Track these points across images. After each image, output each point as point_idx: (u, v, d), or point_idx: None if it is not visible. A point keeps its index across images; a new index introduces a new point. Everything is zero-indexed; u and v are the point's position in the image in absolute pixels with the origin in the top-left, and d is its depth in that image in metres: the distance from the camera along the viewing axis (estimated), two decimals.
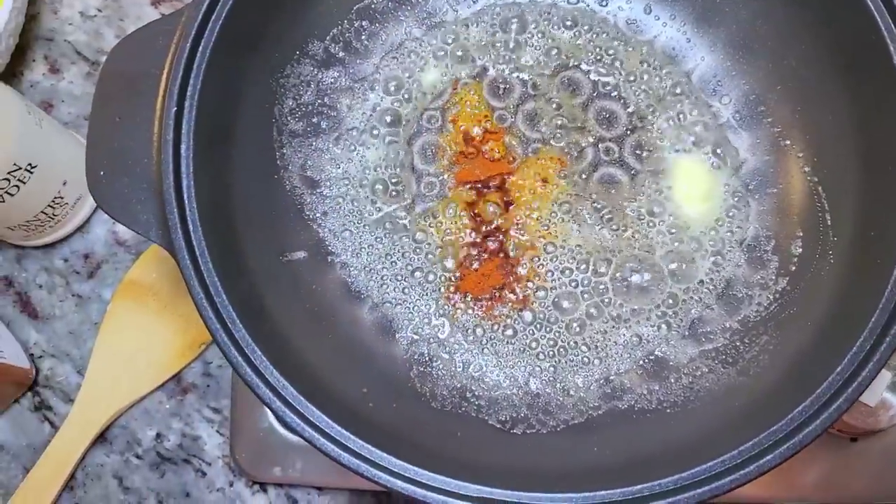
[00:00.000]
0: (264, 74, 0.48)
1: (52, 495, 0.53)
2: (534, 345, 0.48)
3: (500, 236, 0.49)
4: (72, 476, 0.54)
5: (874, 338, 0.37)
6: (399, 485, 0.36)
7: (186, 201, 0.40)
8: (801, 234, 0.47)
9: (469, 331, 0.48)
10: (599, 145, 0.51)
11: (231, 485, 0.55)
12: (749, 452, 0.36)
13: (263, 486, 0.55)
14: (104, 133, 0.42)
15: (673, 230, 0.49)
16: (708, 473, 0.36)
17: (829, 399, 0.37)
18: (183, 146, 0.41)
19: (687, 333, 0.47)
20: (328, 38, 0.51)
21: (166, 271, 0.57)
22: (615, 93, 0.51)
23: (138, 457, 0.55)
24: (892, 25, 0.42)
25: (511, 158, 0.51)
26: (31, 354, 0.57)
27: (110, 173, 0.41)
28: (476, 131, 0.51)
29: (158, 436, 0.55)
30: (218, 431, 0.55)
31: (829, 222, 0.45)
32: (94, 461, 0.55)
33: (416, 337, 0.48)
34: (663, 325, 0.48)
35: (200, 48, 0.42)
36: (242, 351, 0.39)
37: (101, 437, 0.56)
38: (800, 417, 0.37)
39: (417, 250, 0.49)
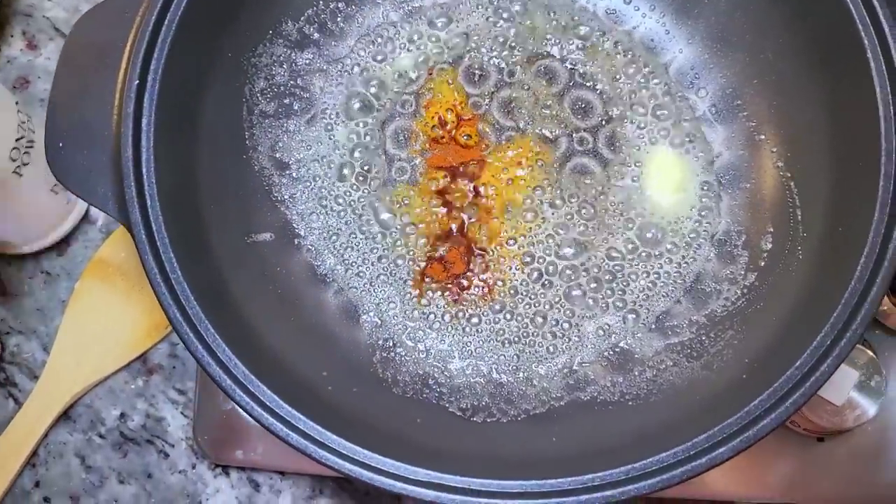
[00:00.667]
0: (235, 53, 0.47)
1: (12, 472, 0.53)
2: (498, 334, 0.47)
3: (469, 224, 0.49)
4: (34, 453, 0.54)
5: (834, 333, 0.37)
6: (346, 467, 0.36)
7: (145, 176, 0.40)
8: (772, 229, 0.46)
9: (434, 318, 0.48)
10: (574, 135, 0.50)
11: (193, 467, 0.54)
12: (702, 445, 0.36)
13: (226, 469, 0.54)
14: (66, 103, 0.42)
15: (644, 222, 0.48)
16: (659, 465, 0.36)
17: (785, 394, 0.36)
18: (144, 121, 0.40)
19: (654, 326, 0.47)
20: (303, 18, 0.50)
21: (136, 251, 0.57)
22: (591, 83, 0.51)
23: (101, 436, 0.55)
24: (868, 20, 0.41)
25: (484, 145, 0.50)
26: None
27: (70, 145, 0.41)
28: (450, 117, 0.51)
29: (122, 416, 0.55)
30: (182, 413, 0.55)
31: (799, 218, 0.45)
32: (56, 439, 0.55)
33: (380, 322, 0.47)
34: (630, 317, 0.47)
35: (166, 22, 0.41)
36: (195, 328, 0.38)
37: (65, 416, 0.55)
38: (755, 411, 0.36)
39: (385, 236, 0.49)
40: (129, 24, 0.42)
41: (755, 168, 0.48)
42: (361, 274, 0.48)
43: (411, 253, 0.49)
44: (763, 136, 0.48)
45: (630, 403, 0.44)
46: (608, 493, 0.35)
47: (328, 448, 0.37)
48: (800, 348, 0.37)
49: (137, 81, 0.40)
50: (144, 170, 0.40)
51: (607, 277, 0.48)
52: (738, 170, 0.49)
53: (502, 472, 0.37)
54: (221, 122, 0.47)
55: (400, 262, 0.48)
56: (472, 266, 0.48)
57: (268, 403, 0.37)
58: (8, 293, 0.57)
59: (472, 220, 0.49)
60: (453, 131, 0.50)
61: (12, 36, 0.62)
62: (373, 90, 0.51)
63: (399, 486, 0.36)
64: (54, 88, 0.42)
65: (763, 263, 0.46)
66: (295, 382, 0.41)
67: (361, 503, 0.54)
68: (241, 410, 0.53)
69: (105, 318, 0.56)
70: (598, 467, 0.36)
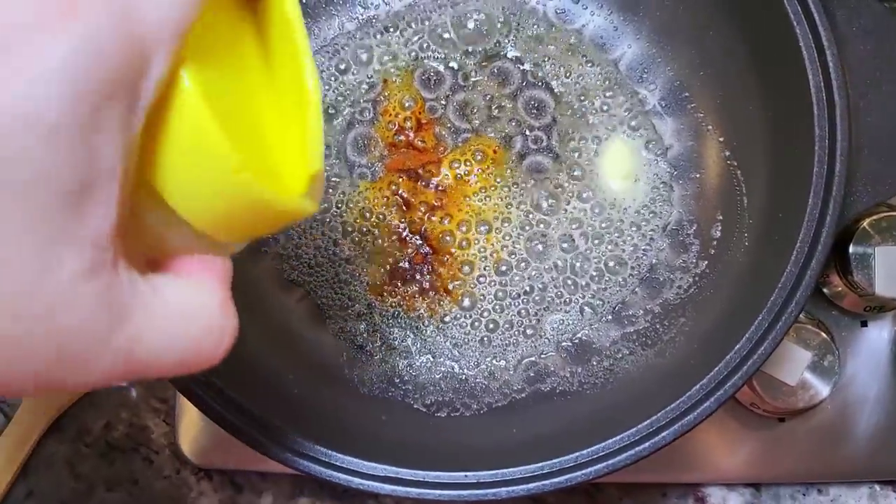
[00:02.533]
0: None
1: (5, 483, 0.55)
2: (461, 330, 0.49)
3: (427, 225, 0.50)
4: (24, 465, 0.56)
5: (770, 318, 0.38)
6: (302, 464, 0.38)
7: None
8: (721, 217, 0.48)
9: (398, 317, 0.49)
10: (528, 133, 0.51)
11: (178, 472, 0.56)
12: (645, 430, 0.37)
13: (208, 473, 0.56)
14: None
15: (600, 217, 0.50)
16: (606, 451, 0.37)
17: (724, 378, 0.38)
18: None
19: (610, 317, 0.48)
20: None
21: None
22: (544, 82, 0.52)
23: (87, 445, 0.57)
24: (800, 10, 0.42)
25: (442, 148, 0.52)
26: None
27: None
28: (407, 123, 0.52)
29: (107, 425, 0.57)
30: (164, 421, 0.57)
31: (745, 205, 0.46)
32: (47, 449, 0.57)
33: (345, 324, 0.49)
34: (588, 309, 0.49)
35: None
36: None
37: (54, 427, 0.57)
38: (696, 395, 0.38)
39: (349, 240, 0.50)
40: None
41: (704, 158, 0.49)
42: (327, 278, 0.50)
43: (374, 256, 0.50)
44: (710, 127, 0.49)
45: (588, 393, 0.46)
46: (557, 479, 0.37)
47: (289, 448, 0.38)
48: (740, 333, 0.39)
49: None
50: None
51: (564, 271, 0.49)
52: (689, 160, 0.50)
53: (460, 463, 0.39)
54: None
55: (363, 264, 0.50)
56: (433, 265, 0.50)
57: (235, 411, 0.39)
58: None
59: (431, 221, 0.50)
60: (411, 136, 0.52)
61: None
62: (332, 99, 0.52)
63: (356, 482, 0.38)
64: None
65: (713, 251, 0.47)
66: (262, 384, 0.43)
67: (341, 501, 0.56)
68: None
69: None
70: (548, 455, 0.38)
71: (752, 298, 0.41)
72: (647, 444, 0.37)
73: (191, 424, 0.55)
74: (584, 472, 0.37)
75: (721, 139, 0.49)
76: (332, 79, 0.53)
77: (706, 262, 0.47)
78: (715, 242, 0.47)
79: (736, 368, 0.38)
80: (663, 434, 0.37)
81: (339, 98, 0.52)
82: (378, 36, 0.53)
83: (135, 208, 0.20)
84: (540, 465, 0.37)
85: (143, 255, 0.22)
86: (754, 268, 0.43)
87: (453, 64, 0.53)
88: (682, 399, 0.38)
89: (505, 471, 0.37)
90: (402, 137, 0.52)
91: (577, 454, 0.38)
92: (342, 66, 0.53)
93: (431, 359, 0.48)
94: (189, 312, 0.22)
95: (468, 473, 0.37)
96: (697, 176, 0.49)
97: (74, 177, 0.17)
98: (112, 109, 0.17)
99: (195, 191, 0.21)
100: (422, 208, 0.51)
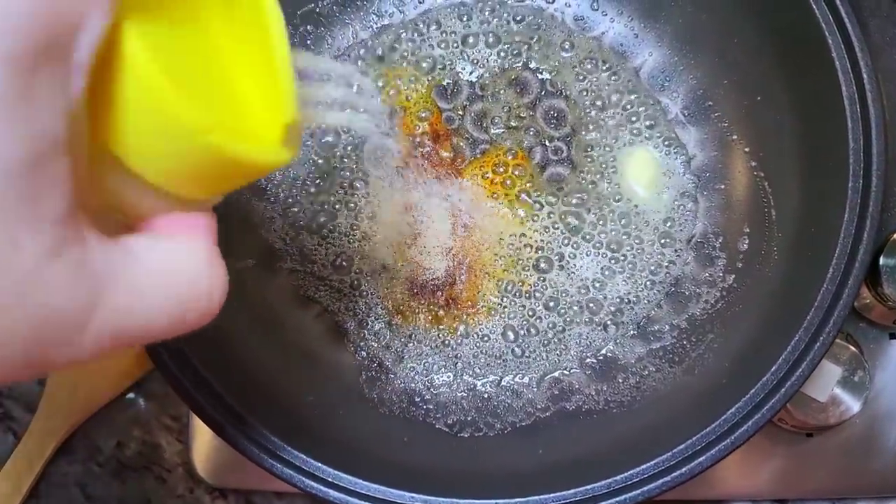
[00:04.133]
0: None
1: None
2: (483, 347, 0.48)
3: (450, 238, 0.49)
4: (35, 487, 0.55)
5: (808, 338, 0.37)
6: (333, 495, 0.36)
7: None
8: (748, 230, 0.46)
9: (419, 334, 0.48)
10: (548, 144, 0.50)
11: (191, 491, 0.55)
12: (682, 454, 0.36)
13: (223, 492, 0.55)
14: None
15: (622, 228, 0.49)
16: (641, 476, 0.36)
17: (761, 400, 0.37)
18: None
19: (636, 332, 0.47)
20: None
21: None
22: (563, 91, 0.51)
23: (100, 465, 0.55)
24: (830, 17, 0.41)
25: (460, 160, 0.50)
26: None
27: None
28: (424, 133, 0.51)
29: (119, 444, 0.56)
30: (177, 439, 0.56)
31: (774, 218, 0.45)
32: (57, 470, 0.56)
33: (365, 342, 0.48)
34: (612, 324, 0.47)
35: None
36: (180, 365, 0.39)
37: (64, 446, 0.56)
38: (733, 418, 0.37)
39: (368, 255, 0.49)
40: None
41: (729, 169, 0.48)
42: (343, 295, 0.49)
43: (394, 271, 0.49)
44: (735, 137, 0.48)
45: (614, 411, 0.45)
46: None
47: (313, 476, 0.37)
48: (775, 353, 0.38)
49: None
50: None
51: (588, 285, 0.48)
52: (713, 171, 0.49)
53: (489, 489, 0.38)
54: None
55: (383, 280, 0.49)
56: (454, 280, 0.49)
57: (255, 437, 0.38)
58: None
59: (452, 234, 0.49)
60: (428, 147, 0.51)
61: None
62: (346, 110, 0.51)
63: None
64: None
65: (740, 265, 0.46)
66: (282, 410, 0.42)
67: None
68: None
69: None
70: (581, 480, 0.37)
71: (785, 316, 0.40)
72: (683, 470, 0.36)
73: (204, 442, 0.54)
74: (618, 499, 0.36)
75: (747, 149, 0.48)
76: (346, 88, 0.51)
77: (733, 276, 0.46)
78: (742, 256, 0.46)
79: (774, 390, 0.36)
80: (700, 459, 0.36)
81: (354, 109, 0.51)
82: (394, 45, 0.52)
83: (98, 175, 0.19)
84: (572, 491, 0.36)
85: (117, 221, 0.21)
86: (786, 283, 0.42)
87: (470, 73, 0.52)
88: (717, 422, 0.37)
89: (536, 498, 0.36)
90: (419, 148, 0.51)
91: (609, 480, 0.37)
92: (356, 76, 0.51)
93: (453, 376, 0.47)
94: (173, 271, 0.21)
95: (498, 502, 0.36)
96: (723, 187, 0.48)
97: (16, 154, 0.16)
98: (46, 74, 0.16)
99: (158, 154, 0.20)
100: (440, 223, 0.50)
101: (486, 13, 0.52)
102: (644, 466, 0.36)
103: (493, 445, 0.44)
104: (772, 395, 0.36)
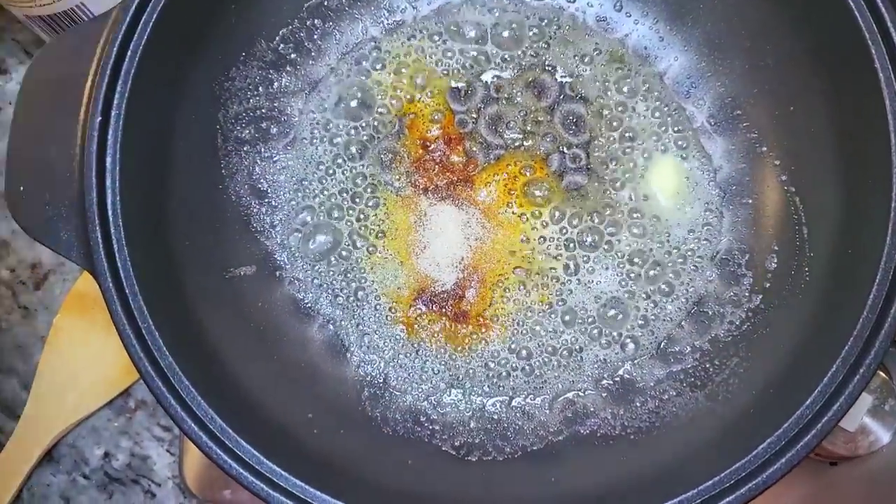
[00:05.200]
0: (206, 78, 0.45)
1: None
2: (492, 365, 0.45)
3: (460, 249, 0.47)
4: (17, 497, 0.52)
5: (846, 369, 0.35)
6: None
7: (111, 220, 0.37)
8: (777, 247, 0.44)
9: (426, 349, 0.45)
10: (566, 151, 0.48)
11: None
12: (707, 493, 0.34)
13: None
14: (25, 144, 0.39)
15: (642, 242, 0.46)
16: None
17: (795, 436, 0.34)
18: (108, 159, 0.38)
19: (655, 353, 0.45)
20: (277, 38, 0.48)
21: None
22: (583, 95, 0.48)
23: (86, 476, 0.53)
24: (874, 26, 0.39)
25: (472, 165, 0.48)
26: None
27: (31, 189, 0.38)
28: (436, 137, 0.48)
29: (106, 455, 0.53)
30: (168, 451, 0.53)
31: (805, 236, 0.42)
32: (40, 480, 0.53)
33: (368, 357, 0.45)
34: (630, 343, 0.45)
35: (129, 52, 0.39)
36: (168, 381, 0.36)
37: (48, 456, 0.53)
38: (764, 454, 0.34)
39: (374, 264, 0.47)
40: (90, 56, 0.39)
41: (757, 182, 0.46)
42: (347, 306, 0.46)
43: (399, 282, 0.46)
44: (765, 148, 0.46)
45: (632, 437, 0.42)
46: None
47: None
48: (810, 383, 0.35)
49: (100, 118, 0.38)
50: (110, 213, 0.37)
51: (605, 301, 0.45)
52: (740, 184, 0.46)
53: None
54: (194, 152, 0.44)
55: (388, 292, 0.46)
56: (463, 294, 0.46)
57: (247, 460, 0.35)
58: None
59: (462, 245, 0.47)
60: (439, 151, 0.48)
61: None
62: (354, 111, 0.49)
63: None
64: (13, 129, 0.40)
65: (768, 284, 0.43)
66: (278, 429, 0.39)
67: None
68: None
69: (86, 354, 0.54)
70: None
71: (820, 343, 0.37)
72: None
73: (196, 455, 0.52)
74: None
75: (777, 162, 0.45)
76: (355, 88, 0.49)
77: (760, 297, 0.43)
78: (770, 275, 0.44)
79: (809, 425, 0.34)
80: (727, 499, 0.33)
81: (362, 109, 0.48)
82: (405, 43, 0.49)
83: None
84: None
85: None
86: (819, 307, 0.39)
87: (485, 74, 0.49)
88: (748, 458, 0.34)
89: None
90: (431, 154, 0.48)
91: None
92: (365, 75, 0.49)
93: (461, 395, 0.45)
94: None
95: None
96: (750, 201, 0.46)
97: None
98: None
99: None
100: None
101: (504, 11, 0.50)
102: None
103: (501, 471, 0.42)
104: (807, 431, 0.34)
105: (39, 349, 0.55)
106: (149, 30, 0.39)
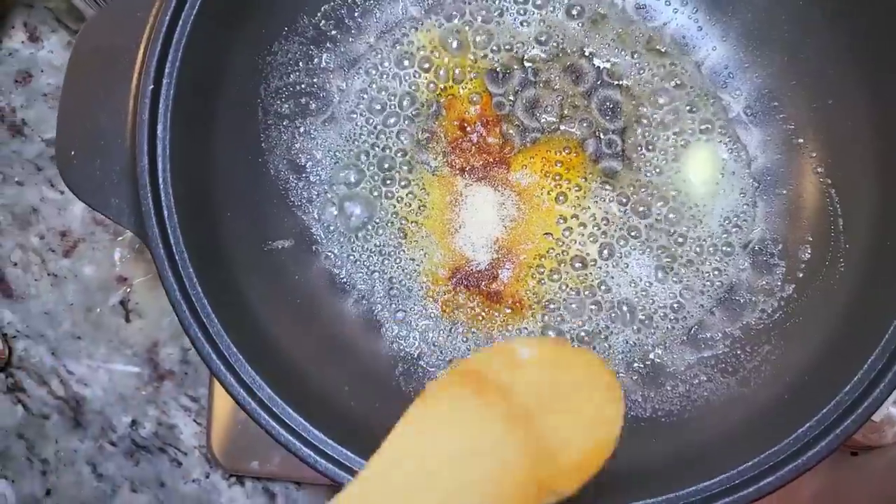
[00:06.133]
0: (250, 51, 0.45)
1: None
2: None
3: (496, 229, 0.47)
4: (44, 460, 0.53)
5: (886, 357, 0.35)
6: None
7: (161, 186, 0.38)
8: (811, 238, 0.44)
9: (458, 327, 0.46)
10: (601, 137, 0.48)
11: (207, 476, 0.53)
12: (748, 473, 0.34)
13: (240, 479, 0.53)
14: (77, 111, 0.40)
15: (675, 229, 0.47)
16: (703, 494, 0.34)
17: (835, 420, 0.35)
18: (160, 127, 0.38)
19: (686, 338, 0.45)
20: (319, 14, 0.48)
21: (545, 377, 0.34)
22: (620, 82, 0.49)
23: (112, 443, 0.53)
24: None
25: (508, 148, 0.48)
26: (5, 334, 0.55)
27: (82, 154, 0.39)
28: (473, 118, 0.49)
29: (134, 423, 0.54)
30: (195, 420, 0.53)
31: (841, 228, 0.43)
32: (68, 446, 0.54)
33: (402, 332, 0.46)
34: (661, 328, 0.46)
35: (180, 22, 0.39)
36: (217, 347, 0.36)
37: (76, 422, 0.54)
38: (804, 437, 0.35)
39: (409, 242, 0.47)
40: (141, 25, 0.39)
41: (793, 173, 0.46)
42: (383, 282, 0.47)
43: (435, 260, 0.47)
44: (801, 140, 0.46)
45: (663, 420, 0.43)
46: None
47: (344, 467, 0.35)
48: (847, 371, 0.36)
49: (152, 86, 0.38)
50: (161, 180, 0.38)
51: (638, 285, 0.46)
52: (775, 175, 0.47)
53: None
54: (236, 125, 0.45)
55: (423, 268, 0.47)
56: (496, 274, 0.47)
57: (294, 427, 0.36)
58: (14, 296, 0.55)
59: (498, 226, 0.47)
60: (476, 133, 0.48)
61: (13, 27, 0.59)
62: (393, 89, 0.49)
63: None
64: (64, 95, 0.40)
65: (801, 275, 0.44)
66: (318, 400, 0.40)
67: None
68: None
69: (462, 445, 0.31)
70: (633, 495, 0.35)
71: (857, 333, 0.38)
72: (750, 490, 0.34)
73: (223, 426, 0.52)
74: None
75: (813, 154, 0.46)
76: (396, 67, 0.49)
77: (793, 287, 0.44)
78: (804, 265, 0.44)
79: (849, 410, 0.35)
80: (768, 479, 0.34)
81: (401, 88, 0.49)
82: (444, 23, 0.50)
83: None
84: None
85: None
86: (854, 298, 0.40)
87: (524, 58, 0.49)
88: (787, 441, 0.35)
89: None
90: (468, 134, 0.48)
91: (665, 497, 0.35)
92: (405, 54, 0.49)
93: None
94: None
95: None
96: (784, 192, 0.46)
97: None
98: None
99: None
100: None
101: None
102: (704, 485, 0.35)
103: None
104: (846, 416, 0.35)
105: (67, 317, 0.55)
106: (198, 2, 0.39)
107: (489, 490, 0.29)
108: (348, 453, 0.35)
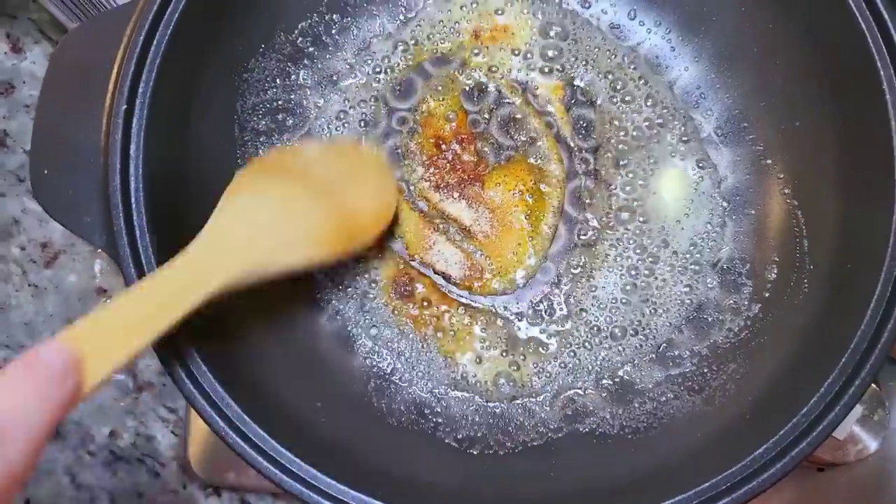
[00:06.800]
0: (226, 69, 0.45)
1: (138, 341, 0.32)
2: (498, 360, 0.46)
3: (468, 247, 0.48)
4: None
5: (842, 380, 0.36)
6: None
7: (134, 205, 0.38)
8: (777, 258, 0.45)
9: (430, 344, 0.46)
10: (574, 155, 0.49)
11: (185, 487, 0.53)
12: (705, 494, 0.35)
13: (217, 490, 0.53)
14: (51, 127, 0.40)
15: (645, 247, 0.47)
16: None
17: (791, 442, 0.35)
18: (132, 147, 0.39)
19: (654, 356, 0.46)
20: (296, 31, 0.48)
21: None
22: (593, 100, 0.49)
23: (91, 454, 0.54)
24: (882, 42, 0.40)
25: (482, 166, 0.49)
26: None
27: (54, 171, 0.39)
28: (448, 136, 0.49)
29: (112, 433, 0.54)
30: (173, 432, 0.54)
31: (806, 249, 0.44)
32: (46, 456, 0.54)
33: (375, 348, 0.46)
34: (631, 346, 0.46)
35: (155, 41, 0.40)
36: (187, 367, 0.37)
37: (55, 432, 0.54)
38: (760, 459, 0.35)
39: (383, 258, 0.48)
40: (116, 43, 0.40)
41: (761, 194, 0.47)
42: (357, 297, 0.47)
43: (409, 275, 0.47)
44: (770, 161, 0.47)
45: (630, 437, 0.43)
46: None
47: (322, 492, 0.36)
48: (806, 393, 0.37)
49: (125, 107, 0.39)
50: (133, 199, 0.38)
51: (607, 303, 0.47)
52: (744, 195, 0.47)
53: None
54: (212, 142, 0.45)
55: (396, 284, 0.47)
56: (470, 288, 0.47)
57: (262, 446, 0.36)
58: None
59: (470, 241, 0.48)
60: (451, 150, 0.49)
61: None
62: (369, 105, 0.49)
63: None
64: (38, 112, 0.40)
65: (767, 294, 0.45)
66: (289, 416, 0.40)
67: None
68: None
69: (283, 205, 0.40)
70: None
71: (817, 354, 0.39)
72: None
73: (201, 437, 0.53)
74: None
75: (781, 175, 0.46)
76: (370, 83, 0.50)
77: (759, 306, 0.45)
78: (770, 285, 0.45)
79: (805, 433, 0.35)
80: (723, 501, 0.35)
81: (377, 105, 0.49)
82: (422, 41, 0.50)
83: None
84: None
85: None
86: (817, 319, 0.41)
87: (499, 75, 0.50)
88: (743, 463, 0.35)
89: None
90: (443, 152, 0.49)
91: None
92: (380, 70, 0.50)
93: (464, 390, 0.46)
94: None
95: None
96: (753, 212, 0.47)
97: None
98: None
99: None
100: (456, 231, 0.48)
101: (519, 13, 0.50)
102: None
103: (503, 464, 0.43)
104: (802, 439, 0.35)
105: (48, 328, 0.56)
106: (174, 20, 0.40)
107: (305, 238, 0.40)
108: (319, 474, 0.36)
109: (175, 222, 0.41)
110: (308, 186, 0.42)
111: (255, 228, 0.39)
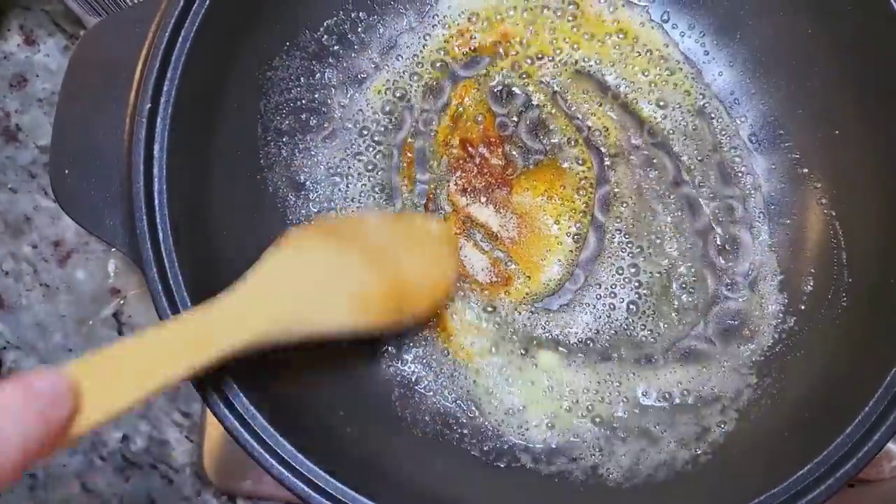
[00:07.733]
0: (250, 67, 0.44)
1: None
2: (524, 372, 0.45)
3: (496, 253, 0.47)
4: (33, 476, 0.52)
5: (888, 399, 0.35)
6: None
7: (157, 208, 0.37)
8: (814, 270, 0.44)
9: (457, 351, 0.45)
10: (605, 160, 0.48)
11: (199, 494, 0.52)
12: None
13: (232, 498, 0.52)
14: (72, 127, 0.39)
15: (676, 255, 0.46)
16: None
17: (835, 463, 0.34)
18: (156, 147, 0.37)
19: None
20: (321, 29, 0.47)
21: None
22: (624, 104, 0.48)
23: (103, 458, 0.53)
24: None
25: (510, 170, 0.48)
26: None
27: (76, 172, 0.38)
28: (476, 138, 0.48)
29: (125, 438, 0.53)
30: (187, 437, 0.53)
31: (844, 261, 0.43)
32: (57, 461, 0.53)
33: (400, 356, 0.45)
34: (661, 358, 0.45)
35: (180, 39, 0.38)
36: (211, 376, 0.36)
37: None
38: (803, 481, 0.34)
39: None
40: (140, 39, 0.39)
41: (797, 204, 0.46)
42: None
43: None
44: (807, 170, 0.46)
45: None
46: None
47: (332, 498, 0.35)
48: (849, 411, 0.35)
49: (149, 105, 0.37)
50: (157, 202, 0.37)
51: (637, 313, 0.46)
52: (779, 204, 0.46)
53: None
54: (235, 142, 0.44)
55: None
56: (497, 296, 0.46)
57: (288, 459, 0.35)
58: (5, 306, 0.54)
59: (496, 246, 0.47)
60: (479, 153, 0.48)
61: (9, 30, 0.58)
62: (395, 106, 0.48)
63: None
64: (59, 110, 0.39)
65: (803, 307, 0.44)
66: (314, 426, 0.39)
67: None
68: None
69: (326, 268, 0.37)
70: None
71: (859, 371, 0.37)
72: None
73: (216, 444, 0.52)
74: None
75: (818, 185, 0.45)
76: (397, 83, 0.48)
77: (794, 319, 0.44)
78: (805, 298, 0.44)
79: (849, 454, 0.34)
80: None
81: (402, 105, 0.48)
82: (451, 41, 0.49)
83: None
84: None
85: None
86: (857, 334, 0.40)
87: (528, 77, 0.49)
88: (785, 484, 0.34)
89: None
90: (470, 154, 0.48)
91: None
92: (408, 71, 0.48)
93: (492, 399, 0.45)
94: None
95: None
96: (788, 222, 0.46)
97: None
98: None
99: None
100: (484, 236, 0.47)
101: (550, 13, 0.49)
102: None
103: (529, 480, 0.42)
104: (847, 459, 0.34)
105: (59, 329, 0.54)
106: (200, 17, 0.39)
107: (350, 304, 0.36)
108: (338, 484, 0.35)
109: (198, 224, 0.40)
110: (361, 252, 0.38)
111: (298, 287, 0.35)
